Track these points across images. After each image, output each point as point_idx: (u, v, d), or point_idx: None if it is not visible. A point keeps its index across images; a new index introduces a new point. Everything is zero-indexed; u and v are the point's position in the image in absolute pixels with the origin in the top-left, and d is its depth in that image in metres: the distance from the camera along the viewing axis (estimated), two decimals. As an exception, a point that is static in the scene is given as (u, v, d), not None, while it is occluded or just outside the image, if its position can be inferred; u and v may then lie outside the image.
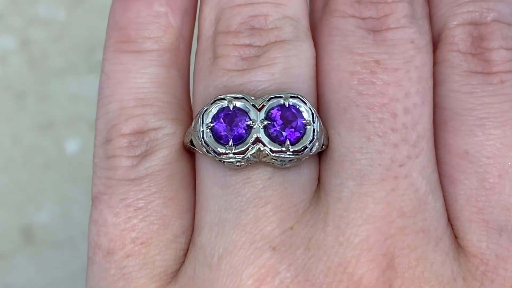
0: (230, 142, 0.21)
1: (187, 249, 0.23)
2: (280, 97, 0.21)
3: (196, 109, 0.23)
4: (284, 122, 0.21)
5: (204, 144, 0.21)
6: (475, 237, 0.22)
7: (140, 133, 0.23)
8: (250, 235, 0.21)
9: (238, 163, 0.21)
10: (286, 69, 0.22)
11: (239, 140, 0.21)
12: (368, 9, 0.23)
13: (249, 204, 0.21)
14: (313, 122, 0.21)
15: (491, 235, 0.22)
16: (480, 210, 0.22)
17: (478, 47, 0.23)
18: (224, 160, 0.21)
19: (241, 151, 0.21)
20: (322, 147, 0.22)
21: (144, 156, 0.23)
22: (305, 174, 0.22)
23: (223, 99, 0.21)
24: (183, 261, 0.22)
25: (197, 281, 0.22)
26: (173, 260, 0.22)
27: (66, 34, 0.38)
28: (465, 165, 0.22)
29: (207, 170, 0.22)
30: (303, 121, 0.21)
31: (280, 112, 0.21)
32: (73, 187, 0.37)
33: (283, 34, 0.23)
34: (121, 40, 0.24)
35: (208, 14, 0.24)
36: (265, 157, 0.21)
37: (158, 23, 0.24)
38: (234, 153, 0.21)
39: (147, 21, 0.24)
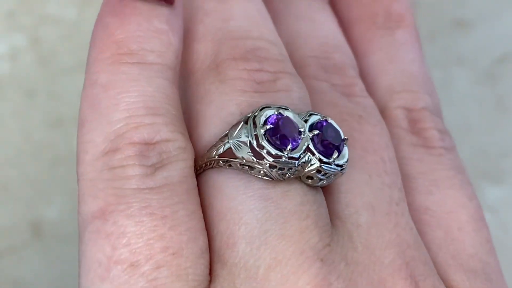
0: (289, 146, 0.21)
1: (210, 268, 0.21)
2: (318, 114, 0.22)
3: (209, 128, 0.23)
4: (333, 136, 0.22)
5: (258, 146, 0.21)
6: (458, 277, 0.24)
7: (151, 144, 0.22)
8: (298, 245, 0.21)
9: (279, 173, 0.21)
10: (301, 98, 0.23)
11: (295, 146, 0.22)
12: (335, 77, 0.25)
13: (292, 215, 0.21)
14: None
15: (469, 277, 0.24)
16: (453, 256, 0.24)
17: (415, 126, 0.26)
18: (274, 164, 0.21)
19: (295, 157, 0.21)
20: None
21: (158, 167, 0.22)
22: (324, 199, 0.23)
23: (269, 107, 0.22)
24: (210, 280, 0.21)
25: None
26: (203, 275, 0.21)
27: (76, 32, 0.39)
28: (428, 219, 0.25)
29: (235, 185, 0.22)
30: (343, 139, 0.23)
31: (325, 126, 0.22)
32: (82, 183, 0.37)
33: (287, 67, 0.24)
34: (120, 52, 0.23)
35: (202, 49, 0.24)
36: (308, 167, 0.21)
37: (160, 38, 0.23)
38: (289, 158, 0.21)
39: (148, 35, 0.23)
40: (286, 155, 0.21)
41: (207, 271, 0.21)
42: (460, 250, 0.24)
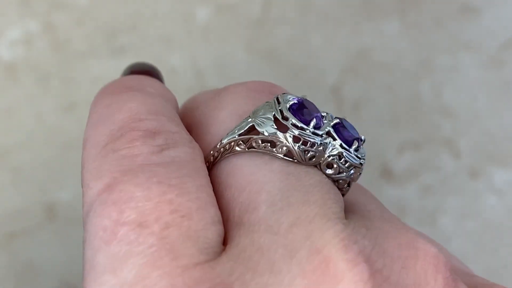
0: (313, 122, 0.22)
1: (225, 238, 0.21)
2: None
3: (224, 124, 0.23)
4: (351, 129, 0.23)
5: (283, 118, 0.21)
6: None
7: (156, 132, 0.21)
8: (321, 209, 0.21)
9: (302, 149, 0.21)
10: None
11: (319, 124, 0.22)
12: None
13: (314, 187, 0.21)
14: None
15: None
16: None
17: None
18: (298, 137, 0.21)
19: (318, 133, 0.22)
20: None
21: (164, 148, 0.21)
22: None
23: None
24: (224, 249, 0.20)
25: (260, 246, 0.20)
26: (216, 241, 0.20)
27: (88, 18, 0.39)
28: None
29: (256, 163, 0.22)
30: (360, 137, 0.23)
31: (343, 121, 0.23)
32: (94, 166, 0.38)
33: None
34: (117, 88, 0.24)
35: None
36: (330, 151, 0.22)
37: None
38: (313, 133, 0.21)
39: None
40: (311, 129, 0.21)
41: (220, 239, 0.20)
42: None
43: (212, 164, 0.22)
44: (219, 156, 0.22)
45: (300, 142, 0.21)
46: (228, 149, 0.22)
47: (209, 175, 0.22)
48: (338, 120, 0.22)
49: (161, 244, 0.19)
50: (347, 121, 0.23)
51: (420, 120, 0.39)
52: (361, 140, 0.23)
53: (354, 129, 0.23)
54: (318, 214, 0.20)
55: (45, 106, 0.38)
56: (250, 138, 0.22)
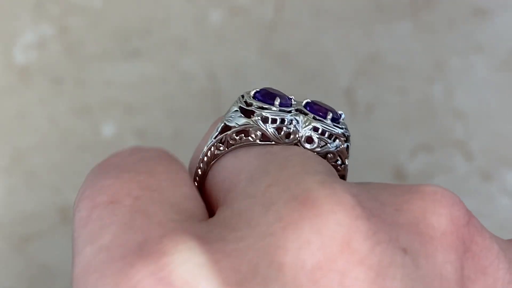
0: (278, 101, 0.22)
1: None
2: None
3: (201, 147, 0.23)
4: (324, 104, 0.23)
5: (247, 105, 0.22)
6: None
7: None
8: (302, 168, 0.20)
9: (275, 127, 0.21)
10: None
11: (285, 103, 0.22)
12: None
13: (293, 156, 0.21)
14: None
15: None
16: None
17: None
18: (265, 116, 0.21)
19: (285, 110, 0.22)
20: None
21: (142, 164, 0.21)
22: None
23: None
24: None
25: (239, 211, 0.19)
26: (193, 212, 0.20)
27: (102, 21, 0.39)
28: None
29: (235, 155, 0.22)
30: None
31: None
32: (108, 169, 0.38)
33: None
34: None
35: None
36: (304, 126, 0.22)
37: None
38: (280, 110, 0.22)
39: None
40: (277, 106, 0.22)
41: (199, 213, 0.20)
42: None
43: (201, 178, 0.23)
44: (207, 167, 0.22)
45: (270, 121, 0.22)
46: (211, 156, 0.22)
47: (202, 190, 0.22)
48: (308, 100, 0.22)
49: (133, 211, 0.19)
50: (322, 102, 0.23)
51: (432, 123, 0.39)
52: (339, 114, 0.23)
53: (329, 107, 0.23)
54: (298, 172, 0.20)
55: (58, 109, 0.38)
56: (224, 136, 0.22)
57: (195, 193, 0.20)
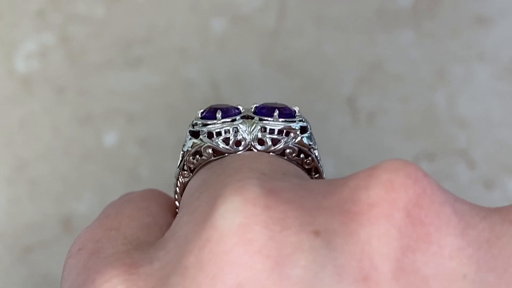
0: (219, 114, 0.22)
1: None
2: None
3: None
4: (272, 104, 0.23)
5: (193, 126, 0.22)
6: None
7: None
8: (235, 171, 0.20)
9: (222, 139, 0.22)
10: None
11: (227, 114, 0.22)
12: None
13: (237, 161, 0.21)
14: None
15: None
16: None
17: None
18: (210, 131, 0.22)
19: (227, 121, 0.22)
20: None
21: None
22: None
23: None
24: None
25: (174, 231, 0.20)
26: (151, 236, 0.21)
27: (104, 30, 0.39)
28: None
29: (195, 177, 0.22)
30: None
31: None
32: (111, 178, 0.38)
33: None
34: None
35: None
36: (252, 130, 0.22)
37: None
38: (222, 122, 0.22)
39: None
40: (219, 120, 0.22)
41: (154, 237, 0.21)
42: None
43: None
44: (181, 196, 0.23)
45: (215, 135, 0.22)
46: (181, 186, 0.23)
47: None
48: (256, 104, 0.23)
49: (91, 253, 0.21)
50: (271, 103, 0.23)
51: (435, 131, 0.39)
52: (293, 109, 0.23)
53: (280, 104, 0.23)
54: (229, 175, 0.20)
55: (61, 118, 0.38)
56: (184, 162, 0.22)
57: (158, 221, 0.22)
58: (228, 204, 0.18)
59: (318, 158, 0.23)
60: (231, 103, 0.39)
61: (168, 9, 0.39)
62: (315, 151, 0.23)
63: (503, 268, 0.18)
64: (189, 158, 0.22)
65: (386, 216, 0.17)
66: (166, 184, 0.38)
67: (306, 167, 0.23)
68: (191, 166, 0.22)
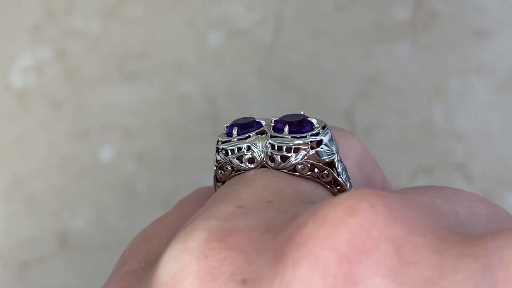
0: (236, 130, 0.22)
1: None
2: None
3: None
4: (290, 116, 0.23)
5: (217, 143, 0.23)
6: None
7: None
8: (232, 192, 0.21)
9: (236, 156, 0.22)
10: None
11: (244, 130, 0.23)
12: None
13: (241, 179, 0.22)
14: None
15: None
16: None
17: None
18: (225, 148, 0.22)
19: (242, 138, 0.22)
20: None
21: None
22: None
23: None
24: None
25: None
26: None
27: (100, 45, 0.39)
28: None
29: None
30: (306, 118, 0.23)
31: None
32: (107, 193, 0.38)
33: None
34: None
35: None
36: (263, 146, 0.22)
37: None
38: (238, 139, 0.22)
39: None
40: (235, 137, 0.22)
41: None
42: None
43: None
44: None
45: (230, 153, 0.22)
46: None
47: None
48: (276, 118, 0.22)
49: (120, 262, 0.22)
50: (292, 115, 0.23)
51: (432, 145, 0.39)
52: (305, 120, 0.22)
53: (300, 116, 0.22)
54: (226, 196, 0.20)
55: (57, 133, 0.38)
56: (215, 175, 0.23)
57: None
58: (171, 251, 0.18)
59: (339, 170, 0.22)
60: (228, 117, 0.39)
61: (165, 24, 0.39)
62: (336, 162, 0.22)
63: None
64: (218, 171, 0.23)
65: (311, 256, 0.16)
66: (163, 199, 0.38)
67: (324, 180, 0.22)
68: (220, 178, 0.23)
